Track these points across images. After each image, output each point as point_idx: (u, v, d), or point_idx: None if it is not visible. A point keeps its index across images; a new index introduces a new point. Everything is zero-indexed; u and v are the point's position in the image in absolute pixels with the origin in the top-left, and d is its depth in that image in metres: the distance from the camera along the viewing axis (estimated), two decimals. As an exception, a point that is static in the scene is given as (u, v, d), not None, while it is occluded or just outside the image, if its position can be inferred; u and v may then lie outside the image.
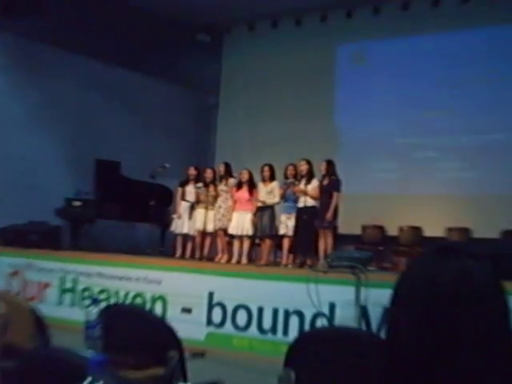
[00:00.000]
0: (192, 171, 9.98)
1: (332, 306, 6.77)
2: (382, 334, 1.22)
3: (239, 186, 9.38)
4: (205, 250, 9.65)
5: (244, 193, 9.30)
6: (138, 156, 11.83)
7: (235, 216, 9.28)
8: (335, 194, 8.89)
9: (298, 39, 12.60)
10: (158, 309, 7.85)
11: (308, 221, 8.81)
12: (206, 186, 9.66)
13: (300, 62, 12.47)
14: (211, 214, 9.50)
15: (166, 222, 10.65)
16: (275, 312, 7.21)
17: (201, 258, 9.53)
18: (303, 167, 9.05)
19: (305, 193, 8.88)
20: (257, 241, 9.55)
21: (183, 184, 10.01)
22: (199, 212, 9.64)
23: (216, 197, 9.53)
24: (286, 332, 7.10)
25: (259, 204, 9.15)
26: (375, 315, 6.37)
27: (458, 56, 11.16)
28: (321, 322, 6.74)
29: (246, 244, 9.24)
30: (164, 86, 13.36)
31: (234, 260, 9.25)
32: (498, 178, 10.65)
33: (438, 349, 1.06)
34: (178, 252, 9.88)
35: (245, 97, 13.28)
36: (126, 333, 3.24)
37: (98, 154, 11.32)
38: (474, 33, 11.03)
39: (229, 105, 13.63)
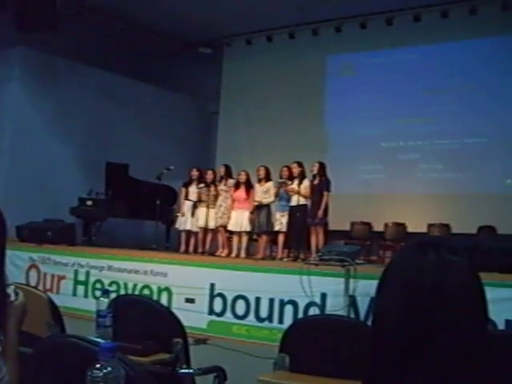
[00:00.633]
0: (194, 173, 9.97)
1: (323, 296, 6.77)
2: (369, 322, 1.22)
3: (237, 186, 9.38)
4: (207, 245, 9.65)
5: (242, 192, 9.30)
6: (145, 159, 11.81)
7: (234, 214, 9.28)
8: (325, 194, 8.90)
9: (291, 51, 12.58)
10: (163, 299, 7.82)
11: (300, 218, 8.83)
12: (208, 186, 9.65)
13: (293, 73, 12.45)
14: (212, 212, 9.50)
15: (170, 220, 10.65)
16: (271, 302, 7.20)
17: (203, 253, 9.52)
18: (295, 169, 9.05)
19: (297, 192, 8.89)
20: (254, 237, 9.54)
21: (186, 184, 9.99)
22: (201, 210, 9.63)
23: (217, 196, 9.53)
24: (281, 320, 7.09)
25: (256, 203, 9.15)
26: (363, 304, 6.38)
27: (437, 67, 11.16)
28: (313, 311, 6.74)
29: (245, 239, 9.25)
30: (169, 95, 13.35)
31: (234, 254, 9.25)
32: (475, 178, 10.66)
33: (419, 335, 1.05)
34: (182, 247, 9.88)
35: (243, 104, 13.26)
36: (134, 321, 3.23)
37: (109, 157, 11.30)
38: (454, 45, 11.03)
39: (228, 112, 13.61)
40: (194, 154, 13.02)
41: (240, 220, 9.18)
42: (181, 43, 13.40)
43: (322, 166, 9.11)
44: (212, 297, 7.65)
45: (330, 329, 2.99)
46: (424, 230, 10.29)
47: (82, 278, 8.81)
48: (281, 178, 9.14)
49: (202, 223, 9.57)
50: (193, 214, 9.75)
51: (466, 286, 1.09)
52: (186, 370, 3.08)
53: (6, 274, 1.56)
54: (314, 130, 12.24)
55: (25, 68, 11.30)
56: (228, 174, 9.70)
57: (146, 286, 8.23)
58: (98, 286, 8.55)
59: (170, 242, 10.86)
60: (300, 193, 8.88)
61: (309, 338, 3.00)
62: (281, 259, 8.87)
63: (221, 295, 7.59)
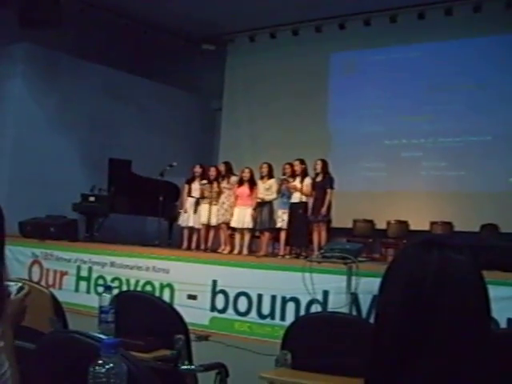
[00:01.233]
0: (197, 169, 9.97)
1: (325, 294, 6.77)
2: (371, 320, 1.22)
3: (241, 182, 9.38)
4: (209, 241, 9.64)
5: (245, 189, 9.30)
6: (148, 155, 11.81)
7: (237, 211, 9.28)
8: (329, 191, 8.90)
9: (294, 48, 12.57)
10: (165, 296, 7.84)
11: (301, 215, 8.83)
12: (210, 183, 9.64)
13: (296, 70, 12.43)
14: (215, 208, 9.49)
15: (173, 216, 10.64)
16: (273, 299, 7.21)
17: (205, 250, 9.52)
18: (297, 167, 9.04)
19: (299, 190, 8.89)
20: (256, 233, 9.55)
21: (189, 181, 10.00)
22: (204, 207, 9.63)
23: (219, 193, 9.52)
24: (283, 317, 7.10)
25: (258, 200, 9.15)
26: (365, 302, 6.38)
27: (441, 64, 11.14)
28: (315, 308, 6.74)
29: (247, 236, 9.25)
30: (172, 91, 13.35)
31: (236, 251, 9.25)
32: (478, 176, 10.65)
33: (421, 333, 1.05)
34: (185, 244, 9.88)
35: (246, 101, 13.25)
36: (136, 317, 3.23)
37: (112, 153, 11.30)
38: (458, 42, 11.01)
39: (231, 109, 13.60)
40: (196, 150, 13.01)
41: (242, 217, 9.18)
42: (184, 40, 13.39)
43: (324, 164, 9.12)
44: (214, 293, 7.66)
45: (332, 326, 2.99)
46: (426, 227, 10.29)
47: (84, 273, 8.84)
48: (283, 175, 9.13)
49: (204, 220, 9.57)
50: (195, 211, 9.75)
51: (469, 284, 1.09)
52: (188, 367, 3.09)
53: (5, 269, 1.56)
54: (316, 127, 12.23)
55: (28, 64, 11.30)
56: (228, 171, 9.69)
57: (148, 283, 8.25)
58: (101, 282, 8.56)
59: (172, 238, 10.86)
60: (302, 190, 8.88)
61: (311, 335, 3.00)
62: (283, 256, 8.86)
63: (223, 292, 7.60)
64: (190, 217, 9.77)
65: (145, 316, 3.28)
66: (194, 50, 13.51)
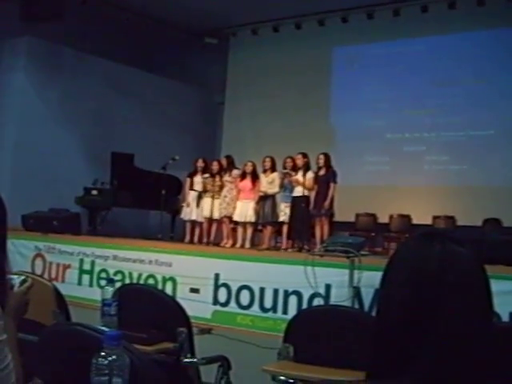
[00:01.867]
0: (200, 163, 9.96)
1: (328, 287, 6.78)
2: (374, 313, 1.22)
3: (243, 176, 9.38)
4: (211, 235, 9.65)
5: (248, 183, 9.29)
6: (151, 149, 11.81)
7: (239, 204, 9.28)
8: (332, 185, 8.89)
9: (297, 42, 12.54)
10: (168, 289, 7.85)
11: (303, 208, 8.82)
12: (213, 176, 9.64)
13: (299, 63, 12.41)
14: (217, 202, 9.50)
15: (175, 210, 10.65)
16: (275, 292, 7.22)
17: (208, 243, 9.54)
18: (300, 160, 9.03)
19: (301, 184, 8.88)
20: (259, 227, 9.55)
21: (191, 174, 9.99)
22: (206, 201, 9.64)
23: (222, 187, 9.52)
24: (285, 311, 7.12)
25: (261, 193, 9.15)
26: (367, 295, 6.39)
27: (444, 58, 11.12)
28: (317, 302, 6.75)
29: (249, 230, 9.25)
30: (175, 84, 13.33)
31: (238, 245, 9.26)
32: (481, 170, 10.64)
33: (423, 325, 1.06)
34: (187, 237, 9.89)
35: (249, 95, 13.23)
36: (139, 310, 3.24)
37: (114, 147, 11.30)
38: (461, 36, 10.97)
39: (234, 102, 13.59)
40: (199, 144, 13.01)
41: (245, 210, 9.18)
42: (187, 33, 13.37)
43: (327, 158, 9.10)
44: (217, 287, 7.68)
45: (334, 319, 2.99)
46: (429, 222, 10.27)
47: (87, 267, 8.85)
48: (284, 168, 9.12)
49: (206, 213, 9.58)
50: (198, 205, 9.75)
51: (471, 277, 1.09)
52: (191, 359, 3.10)
53: (8, 263, 1.57)
54: (319, 122, 12.21)
55: (30, 58, 11.29)
56: (230, 164, 9.69)
57: (150, 276, 8.27)
58: (103, 275, 8.58)
59: (174, 232, 10.86)
60: (304, 184, 8.87)
61: (313, 329, 3.00)
62: (285, 250, 8.87)
63: (225, 285, 7.62)
64: (193, 210, 9.77)
65: (147, 309, 3.29)
66: (197, 44, 13.49)
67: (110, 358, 1.35)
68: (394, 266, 1.14)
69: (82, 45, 11.73)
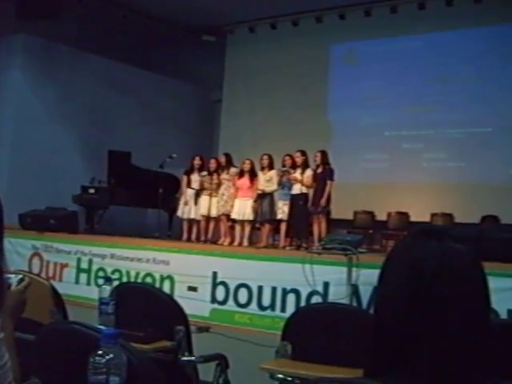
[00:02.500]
0: (197, 161, 9.95)
1: (326, 285, 6.78)
2: (372, 311, 1.22)
3: (241, 174, 9.37)
4: (209, 233, 9.65)
5: (245, 181, 9.29)
6: (148, 147, 11.81)
7: (237, 202, 9.28)
8: (329, 182, 8.90)
9: (294, 39, 12.54)
10: (166, 287, 7.84)
11: (302, 206, 8.83)
12: (210, 174, 9.64)
13: (297, 61, 12.42)
14: (215, 200, 9.49)
15: (173, 208, 10.64)
16: (274, 290, 7.22)
17: (205, 241, 9.53)
18: (298, 158, 9.04)
19: (300, 181, 8.88)
20: (257, 225, 9.55)
21: (188, 172, 9.98)
22: (204, 198, 9.63)
23: (219, 184, 9.52)
24: (283, 309, 7.11)
25: (259, 191, 9.15)
26: (365, 293, 6.39)
27: (441, 55, 11.13)
28: (315, 300, 6.74)
29: (247, 228, 9.26)
30: (172, 82, 13.33)
31: (236, 243, 9.26)
32: (478, 168, 10.65)
33: (421, 322, 1.06)
34: (185, 235, 9.89)
35: (246, 93, 13.23)
36: (136, 309, 3.24)
37: (111, 145, 11.29)
38: (458, 33, 10.99)
39: (231, 100, 13.59)
40: (196, 142, 13.01)
41: (243, 208, 9.18)
42: (184, 31, 13.36)
43: (323, 155, 9.11)
44: (214, 285, 7.67)
45: (332, 317, 3.00)
46: (427, 219, 10.29)
47: (84, 265, 8.84)
48: (283, 166, 9.13)
49: (204, 211, 9.57)
50: (195, 203, 9.75)
51: (469, 273, 1.09)
52: (188, 358, 3.10)
53: (5, 262, 1.56)
54: (317, 119, 12.22)
55: (26, 55, 11.28)
56: (228, 162, 9.69)
57: (148, 274, 8.26)
58: (101, 273, 8.56)
59: (172, 230, 10.87)
60: (302, 182, 8.87)
61: (311, 327, 3.01)
62: (283, 248, 8.87)
63: (223, 283, 7.61)
64: (191, 208, 9.77)
65: (145, 307, 3.29)
66: (194, 41, 13.49)
67: (107, 357, 1.35)
68: (392, 263, 1.14)
69: (78, 43, 11.72)
